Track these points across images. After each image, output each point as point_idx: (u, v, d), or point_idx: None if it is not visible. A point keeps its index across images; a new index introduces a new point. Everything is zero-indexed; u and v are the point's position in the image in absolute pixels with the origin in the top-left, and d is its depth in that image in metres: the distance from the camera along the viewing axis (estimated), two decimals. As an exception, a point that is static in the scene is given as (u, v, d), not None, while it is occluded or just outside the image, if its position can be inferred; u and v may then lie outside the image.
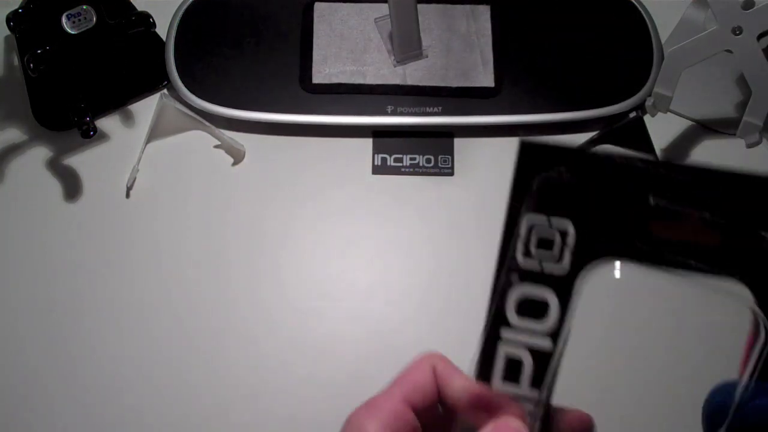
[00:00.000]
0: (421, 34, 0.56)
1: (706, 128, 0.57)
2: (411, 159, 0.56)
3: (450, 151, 0.56)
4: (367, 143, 0.57)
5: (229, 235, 0.53)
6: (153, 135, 0.56)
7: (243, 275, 0.52)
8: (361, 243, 0.53)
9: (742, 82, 0.56)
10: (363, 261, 0.53)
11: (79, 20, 0.52)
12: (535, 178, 0.34)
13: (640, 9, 0.59)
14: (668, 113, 0.55)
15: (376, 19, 0.58)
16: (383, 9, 0.57)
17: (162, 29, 0.57)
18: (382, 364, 0.48)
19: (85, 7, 0.52)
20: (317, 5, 0.59)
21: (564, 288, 0.33)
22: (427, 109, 0.56)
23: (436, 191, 0.55)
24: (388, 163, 0.56)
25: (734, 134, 0.52)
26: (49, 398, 0.49)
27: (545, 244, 0.33)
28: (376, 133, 0.57)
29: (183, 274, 0.52)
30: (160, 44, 0.57)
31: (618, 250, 0.31)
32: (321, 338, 0.50)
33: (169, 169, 0.56)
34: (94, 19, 0.53)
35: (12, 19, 0.52)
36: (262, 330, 0.51)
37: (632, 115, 0.56)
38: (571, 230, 0.33)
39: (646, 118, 0.55)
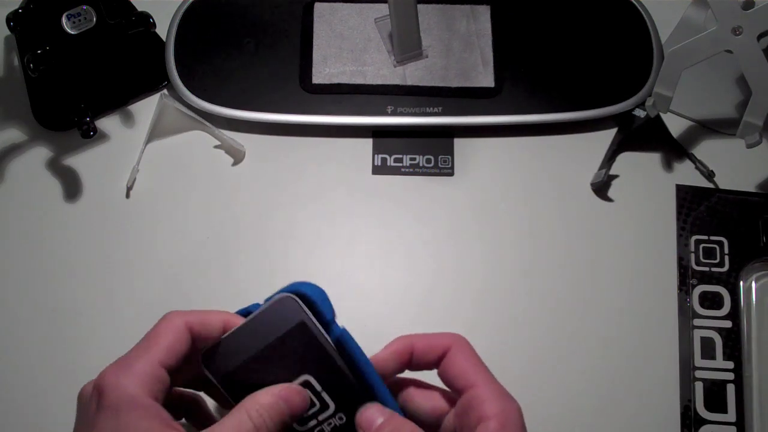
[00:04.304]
0: (421, 34, 0.56)
1: (706, 128, 0.57)
2: (411, 159, 0.56)
3: (450, 151, 0.56)
4: (367, 143, 0.57)
5: (229, 235, 0.53)
6: (153, 135, 0.56)
7: (243, 275, 0.52)
8: (361, 243, 0.53)
9: (742, 82, 0.56)
10: (363, 261, 0.53)
11: (79, 20, 0.52)
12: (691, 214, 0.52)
13: (640, 9, 0.59)
14: (668, 113, 0.55)
15: (376, 19, 0.58)
16: (383, 9, 0.57)
17: (162, 29, 0.57)
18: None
19: (85, 7, 0.52)
20: (317, 5, 0.59)
21: (729, 282, 0.51)
22: (427, 109, 0.56)
23: (436, 191, 0.55)
24: (388, 163, 0.56)
25: (734, 134, 0.52)
26: (48, 398, 0.49)
27: (709, 254, 0.52)
28: (376, 133, 0.57)
29: (183, 274, 0.52)
30: (160, 44, 0.57)
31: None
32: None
33: (169, 169, 0.56)
34: (94, 19, 0.53)
35: (12, 19, 0.52)
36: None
37: (636, 112, 0.56)
38: (725, 242, 0.52)
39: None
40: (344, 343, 0.36)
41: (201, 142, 0.57)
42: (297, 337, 0.35)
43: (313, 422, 0.35)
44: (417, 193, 0.55)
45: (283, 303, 0.35)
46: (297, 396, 0.34)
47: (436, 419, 0.37)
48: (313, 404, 0.35)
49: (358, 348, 0.36)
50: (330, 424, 0.35)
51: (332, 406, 0.35)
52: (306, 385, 0.35)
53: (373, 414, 0.35)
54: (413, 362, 0.37)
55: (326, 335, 0.35)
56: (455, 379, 0.35)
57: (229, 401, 0.35)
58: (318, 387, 0.35)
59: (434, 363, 0.37)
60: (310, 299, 0.36)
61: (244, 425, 0.32)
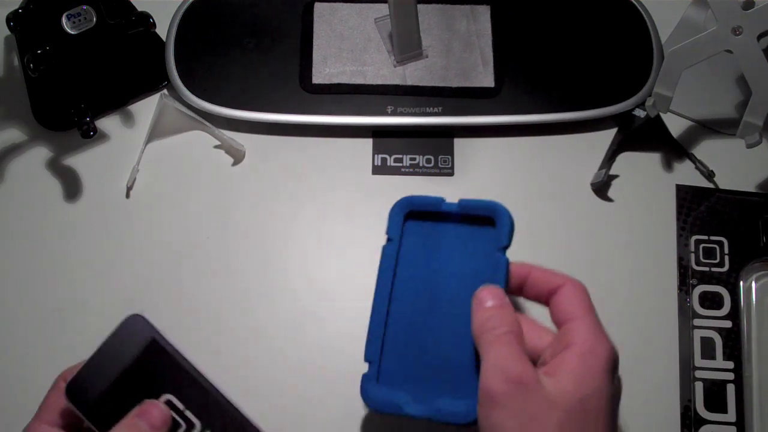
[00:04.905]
0: (421, 34, 0.56)
1: (706, 128, 0.57)
2: (411, 159, 0.56)
3: (450, 151, 0.56)
4: (367, 143, 0.57)
5: (229, 235, 0.53)
6: (153, 135, 0.56)
7: (242, 275, 0.52)
8: (361, 243, 0.53)
9: (742, 82, 0.56)
10: (363, 261, 0.53)
11: (79, 20, 0.52)
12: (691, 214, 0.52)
13: (640, 9, 0.59)
14: (668, 113, 0.55)
15: (376, 19, 0.58)
16: (383, 9, 0.57)
17: (162, 29, 0.57)
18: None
19: (85, 7, 0.52)
20: (317, 5, 0.59)
21: (729, 282, 0.50)
22: (427, 109, 0.56)
23: (436, 191, 0.55)
24: (388, 163, 0.56)
25: (734, 134, 0.52)
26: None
27: (709, 254, 0.52)
28: (376, 133, 0.57)
29: (183, 274, 0.52)
30: (160, 44, 0.57)
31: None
32: (320, 338, 0.50)
33: (169, 169, 0.56)
34: (94, 19, 0.53)
35: (12, 19, 0.52)
36: (261, 329, 0.51)
37: (636, 112, 0.56)
38: (725, 242, 0.51)
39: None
40: (502, 270, 0.41)
41: (201, 142, 0.57)
42: (151, 357, 0.35)
43: None
44: (417, 193, 0.55)
45: (130, 322, 0.36)
46: (154, 410, 0.34)
47: (537, 354, 0.38)
48: (178, 424, 0.35)
49: (505, 280, 0.40)
50: None
51: (198, 424, 0.35)
52: (169, 405, 0.35)
53: (486, 295, 0.37)
54: (525, 288, 0.39)
55: (179, 351, 0.36)
56: (561, 312, 0.37)
57: None
58: (180, 405, 0.35)
59: (545, 296, 0.38)
60: (498, 220, 0.43)
61: None
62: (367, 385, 0.44)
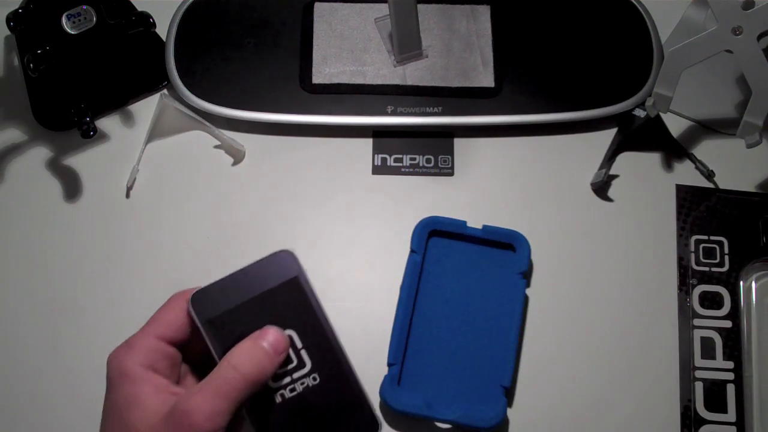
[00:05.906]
0: (421, 34, 0.56)
1: (706, 128, 0.57)
2: (411, 159, 0.56)
3: (450, 151, 0.56)
4: (367, 143, 0.57)
5: (229, 235, 0.53)
6: (153, 135, 0.56)
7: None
8: (361, 243, 0.53)
9: (742, 82, 0.56)
10: (363, 261, 0.53)
11: (79, 20, 0.52)
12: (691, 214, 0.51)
13: (640, 9, 0.59)
14: (668, 113, 0.55)
15: (376, 19, 0.58)
16: (383, 9, 0.57)
17: (162, 29, 0.57)
18: (380, 362, 0.48)
19: (85, 7, 0.52)
20: (317, 5, 0.59)
21: (729, 282, 0.51)
22: (427, 109, 0.56)
23: (436, 191, 0.55)
24: (388, 163, 0.56)
25: (734, 134, 0.52)
26: (49, 398, 0.49)
27: (709, 254, 0.52)
28: (376, 133, 0.57)
29: (183, 274, 0.52)
30: (160, 44, 0.57)
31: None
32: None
33: (169, 169, 0.56)
34: (94, 19, 0.53)
35: (12, 19, 0.52)
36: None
37: (636, 112, 0.56)
38: (725, 242, 0.51)
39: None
40: (521, 292, 0.49)
41: (201, 142, 0.57)
42: (288, 292, 0.36)
43: (287, 379, 0.35)
44: (417, 193, 0.55)
45: (281, 256, 0.36)
46: (276, 335, 0.35)
47: None
48: (290, 360, 0.35)
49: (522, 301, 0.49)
50: (303, 383, 0.36)
51: (308, 366, 0.35)
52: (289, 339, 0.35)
53: None
54: None
55: (316, 296, 0.36)
56: None
57: (208, 348, 0.35)
58: (299, 344, 0.36)
59: None
60: (519, 247, 0.50)
61: (230, 375, 0.33)
62: (389, 386, 0.46)
